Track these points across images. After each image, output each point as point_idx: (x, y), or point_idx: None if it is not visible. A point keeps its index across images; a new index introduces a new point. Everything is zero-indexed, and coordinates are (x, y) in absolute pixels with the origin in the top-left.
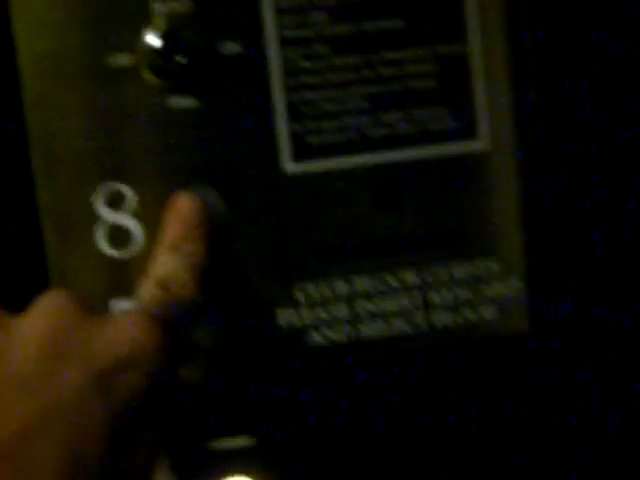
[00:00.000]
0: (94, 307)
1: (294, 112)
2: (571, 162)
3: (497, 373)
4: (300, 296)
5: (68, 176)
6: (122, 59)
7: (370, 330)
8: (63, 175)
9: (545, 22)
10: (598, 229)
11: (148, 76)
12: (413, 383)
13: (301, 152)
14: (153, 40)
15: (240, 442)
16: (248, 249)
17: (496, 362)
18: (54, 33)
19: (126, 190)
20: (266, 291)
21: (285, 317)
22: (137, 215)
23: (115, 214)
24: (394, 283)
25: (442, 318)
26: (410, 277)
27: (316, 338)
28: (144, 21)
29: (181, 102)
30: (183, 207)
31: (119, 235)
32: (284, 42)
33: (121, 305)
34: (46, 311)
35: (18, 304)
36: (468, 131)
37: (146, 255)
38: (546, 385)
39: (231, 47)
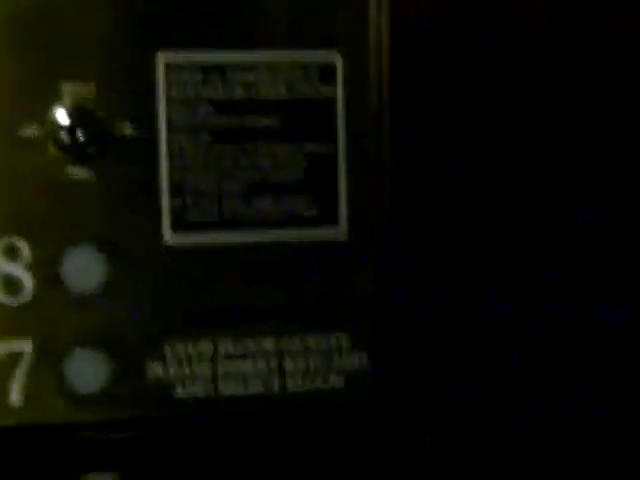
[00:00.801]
0: None
1: (176, 190)
2: (424, 255)
3: (342, 440)
4: (168, 354)
5: None
6: (31, 131)
7: (229, 388)
8: None
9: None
10: (447, 315)
11: (52, 148)
12: (264, 443)
13: (180, 226)
14: (59, 116)
15: (106, 478)
16: (128, 308)
17: (342, 429)
18: None
19: (21, 244)
20: (138, 347)
21: (153, 372)
22: (29, 267)
23: (9, 265)
24: (253, 347)
25: (295, 384)
26: (268, 344)
27: (180, 392)
28: (53, 98)
29: (78, 173)
30: None
31: (11, 284)
32: (172, 129)
33: (9, 347)
34: None
35: None
36: (329, 219)
37: (35, 303)
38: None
39: (126, 129)
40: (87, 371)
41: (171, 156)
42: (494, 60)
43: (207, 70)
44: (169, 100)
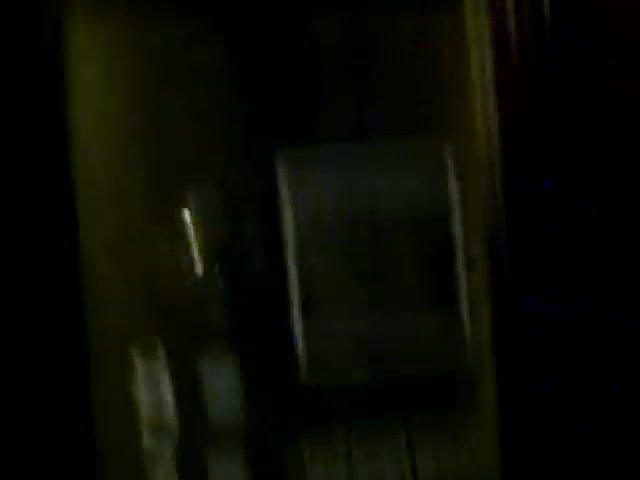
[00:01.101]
0: None
1: (311, 337)
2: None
3: None
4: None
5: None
6: (160, 231)
7: None
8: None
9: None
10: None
11: (181, 247)
12: None
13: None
14: (186, 217)
15: None
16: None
17: None
18: (111, 226)
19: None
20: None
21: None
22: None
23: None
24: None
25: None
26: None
27: None
28: (179, 199)
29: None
30: None
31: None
32: (297, 229)
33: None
34: None
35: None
36: (448, 298)
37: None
38: None
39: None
40: None
41: (304, 303)
42: (596, 133)
43: (326, 166)
44: (292, 201)
